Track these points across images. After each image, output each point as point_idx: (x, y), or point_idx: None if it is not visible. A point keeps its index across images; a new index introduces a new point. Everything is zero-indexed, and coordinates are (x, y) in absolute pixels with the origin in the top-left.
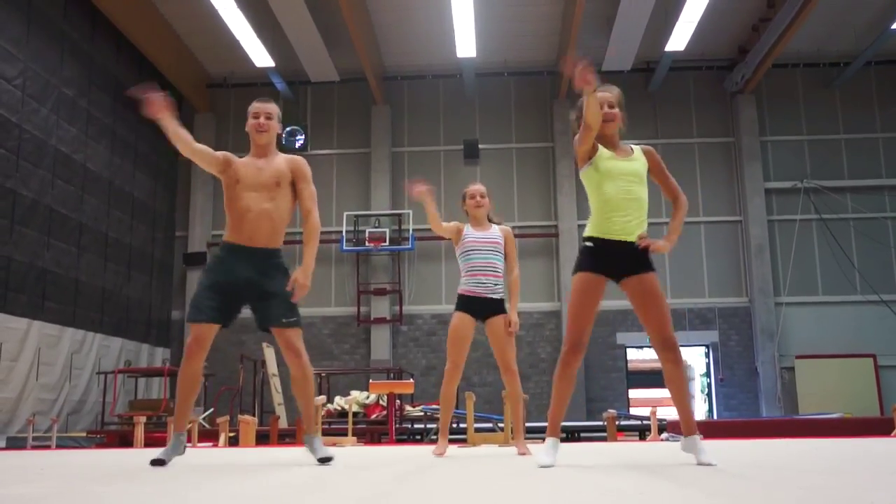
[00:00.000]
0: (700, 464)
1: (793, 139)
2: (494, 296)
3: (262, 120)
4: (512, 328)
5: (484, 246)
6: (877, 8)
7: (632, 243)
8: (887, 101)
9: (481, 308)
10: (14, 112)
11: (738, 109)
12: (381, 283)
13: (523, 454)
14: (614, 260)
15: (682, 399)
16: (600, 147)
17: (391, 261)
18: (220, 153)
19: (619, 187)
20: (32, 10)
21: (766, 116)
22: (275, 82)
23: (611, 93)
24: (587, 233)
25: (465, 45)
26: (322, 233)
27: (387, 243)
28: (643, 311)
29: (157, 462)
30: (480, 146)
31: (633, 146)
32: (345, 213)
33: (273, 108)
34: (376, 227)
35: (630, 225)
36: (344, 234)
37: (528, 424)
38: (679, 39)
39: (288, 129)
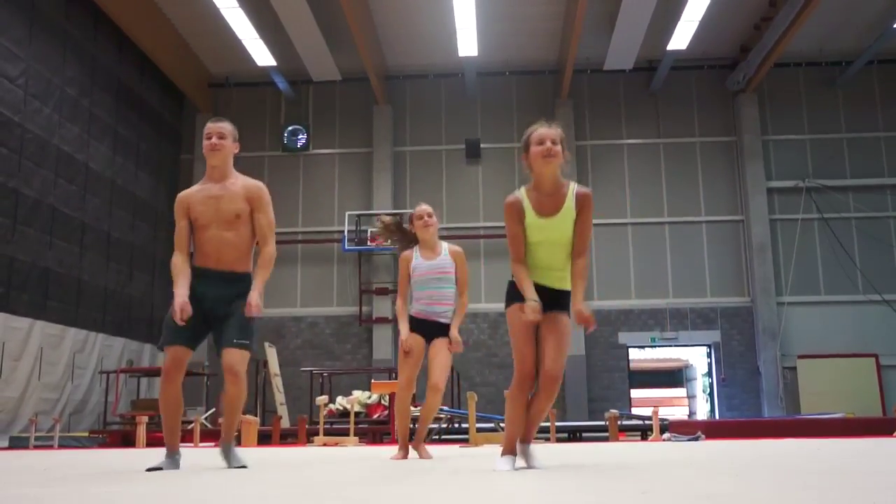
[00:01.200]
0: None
1: (795, 138)
2: (441, 320)
3: (214, 140)
4: (453, 346)
5: (433, 275)
6: (879, 7)
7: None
8: (889, 100)
9: (428, 330)
10: (17, 112)
11: (739, 108)
12: (383, 282)
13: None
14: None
15: (535, 418)
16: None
17: (393, 260)
18: (181, 221)
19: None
20: (35, 10)
21: (767, 115)
22: (276, 82)
23: (554, 130)
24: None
25: (467, 44)
26: (323, 232)
27: (389, 243)
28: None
29: (153, 469)
30: (482, 145)
31: (567, 188)
32: (346, 213)
33: (225, 127)
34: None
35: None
36: (346, 233)
37: None
38: (681, 38)
39: (290, 128)
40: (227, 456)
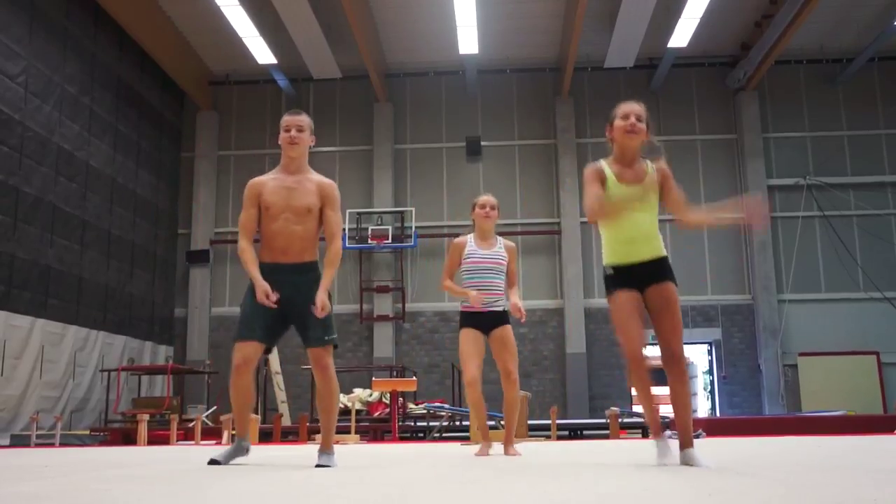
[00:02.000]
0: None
1: (796, 136)
2: (497, 309)
3: (293, 133)
4: (522, 313)
5: (486, 266)
6: (880, 4)
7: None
8: (890, 97)
9: (485, 322)
10: (17, 109)
11: (740, 106)
12: (383, 280)
13: (512, 455)
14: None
15: (684, 416)
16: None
17: (394, 258)
18: (251, 209)
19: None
20: (35, 8)
21: (768, 113)
22: (277, 79)
23: (639, 107)
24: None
25: (468, 41)
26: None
27: (389, 240)
28: (657, 321)
29: (214, 462)
30: (483, 143)
31: (646, 164)
32: (347, 211)
33: (304, 120)
34: (379, 225)
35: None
36: (346, 231)
37: (529, 422)
38: (682, 36)
39: None
40: (323, 461)
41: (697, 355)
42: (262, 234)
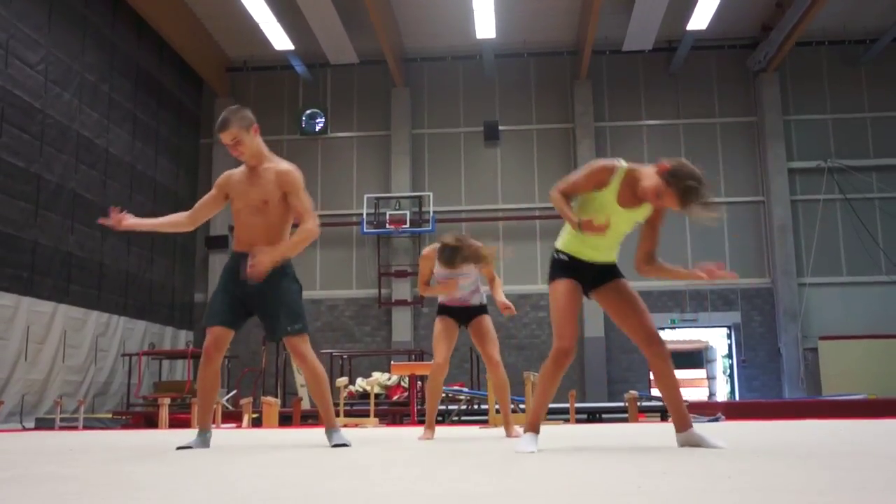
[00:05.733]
0: (712, 448)
1: (817, 118)
2: (474, 304)
3: (232, 149)
4: (510, 310)
5: (455, 275)
6: None
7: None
8: None
9: (461, 314)
10: (37, 98)
11: (760, 88)
12: (401, 265)
13: (515, 437)
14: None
15: (674, 396)
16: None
17: (412, 243)
18: (214, 189)
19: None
20: None
21: (789, 95)
22: (294, 65)
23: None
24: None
25: (485, 25)
26: (342, 215)
27: (407, 225)
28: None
29: (183, 448)
30: (500, 127)
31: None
32: (365, 196)
33: (231, 131)
34: (397, 210)
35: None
36: (364, 216)
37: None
38: (701, 18)
39: (308, 111)
40: (331, 438)
41: (717, 339)
42: (235, 224)
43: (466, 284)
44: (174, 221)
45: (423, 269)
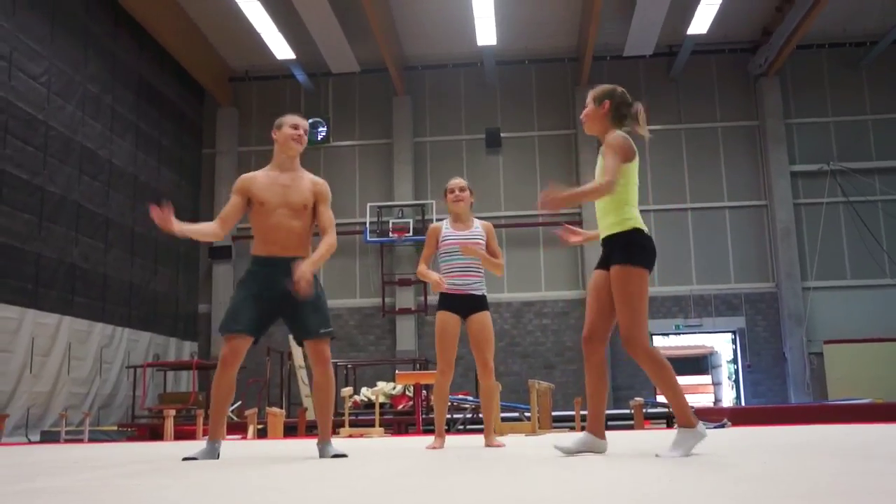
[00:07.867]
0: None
1: (818, 121)
2: (476, 293)
3: (301, 132)
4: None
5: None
6: None
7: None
8: None
9: (463, 305)
10: (40, 109)
11: (762, 92)
12: (405, 273)
13: (495, 447)
14: None
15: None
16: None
17: (415, 251)
18: (235, 196)
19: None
20: (56, 8)
21: (790, 99)
22: (296, 74)
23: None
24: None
25: (486, 32)
26: (345, 224)
27: (410, 234)
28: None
29: (189, 459)
30: (502, 134)
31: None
32: (368, 204)
33: (304, 122)
34: (399, 218)
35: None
36: (367, 225)
37: (554, 413)
38: (701, 22)
39: (310, 120)
40: (325, 452)
41: (721, 344)
42: (257, 229)
43: (473, 264)
44: (205, 231)
45: (429, 242)
